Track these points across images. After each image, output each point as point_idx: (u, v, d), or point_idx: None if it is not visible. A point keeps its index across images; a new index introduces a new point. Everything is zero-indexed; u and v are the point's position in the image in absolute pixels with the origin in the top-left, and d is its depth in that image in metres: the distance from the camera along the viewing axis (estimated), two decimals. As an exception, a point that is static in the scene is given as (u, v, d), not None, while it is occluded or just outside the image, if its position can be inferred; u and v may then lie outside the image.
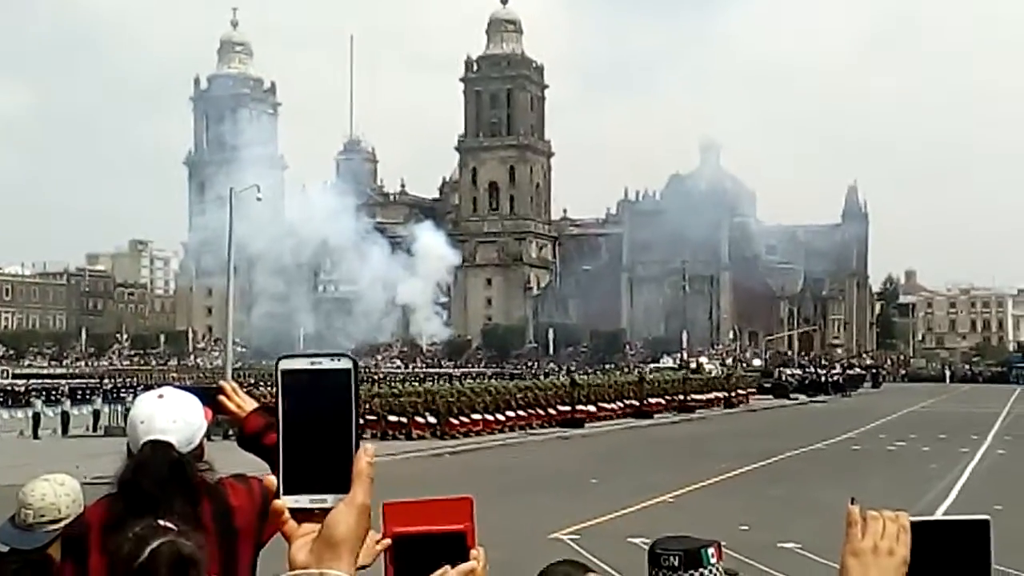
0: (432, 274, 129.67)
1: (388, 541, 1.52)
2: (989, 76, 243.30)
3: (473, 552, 1.55)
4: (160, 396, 3.00)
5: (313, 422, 1.42)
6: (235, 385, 2.92)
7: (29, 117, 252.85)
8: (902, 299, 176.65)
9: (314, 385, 1.43)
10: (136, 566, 2.37)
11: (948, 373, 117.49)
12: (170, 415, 2.92)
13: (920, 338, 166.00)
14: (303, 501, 1.42)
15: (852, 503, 1.58)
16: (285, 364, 1.44)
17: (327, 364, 1.43)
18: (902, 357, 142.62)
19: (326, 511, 1.42)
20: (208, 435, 3.06)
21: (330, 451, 1.43)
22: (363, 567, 3.18)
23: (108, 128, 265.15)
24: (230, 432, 2.97)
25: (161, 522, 2.39)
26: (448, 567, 1.53)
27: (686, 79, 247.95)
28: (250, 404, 3.04)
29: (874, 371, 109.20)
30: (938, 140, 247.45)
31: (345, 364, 1.44)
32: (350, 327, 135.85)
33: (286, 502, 1.42)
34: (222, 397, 2.84)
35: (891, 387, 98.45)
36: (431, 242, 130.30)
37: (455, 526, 1.56)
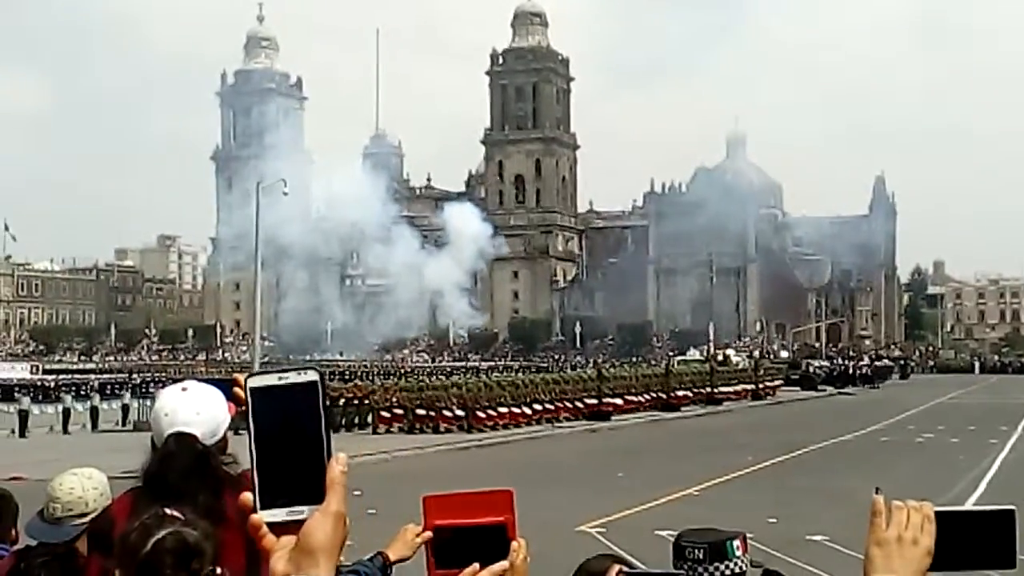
0: (466, 253, 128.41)
1: (429, 534, 1.54)
2: (1017, 66, 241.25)
3: (514, 544, 1.56)
4: (184, 389, 3.01)
5: (284, 436, 1.44)
6: None
7: (56, 113, 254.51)
8: (930, 290, 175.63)
9: (283, 400, 1.45)
10: (141, 556, 2.37)
11: (977, 364, 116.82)
12: (194, 407, 2.93)
13: (949, 329, 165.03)
14: (280, 515, 1.44)
15: (877, 493, 1.59)
16: (253, 381, 1.47)
17: (294, 378, 1.46)
18: (931, 348, 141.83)
19: (303, 523, 1.44)
20: (236, 429, 3.06)
21: (303, 463, 1.44)
22: (404, 559, 3.18)
23: (135, 123, 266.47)
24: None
25: (168, 511, 2.39)
26: (477, 565, 1.54)
27: (712, 70, 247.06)
28: None
29: (902, 362, 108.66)
30: (966, 130, 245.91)
31: (312, 377, 1.46)
32: (378, 320, 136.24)
33: (263, 516, 1.44)
34: (237, 389, 2.85)
35: (920, 378, 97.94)
36: (464, 217, 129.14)
37: (496, 518, 1.58)
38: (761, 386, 61.62)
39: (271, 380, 1.46)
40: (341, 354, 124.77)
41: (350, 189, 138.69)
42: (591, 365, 74.35)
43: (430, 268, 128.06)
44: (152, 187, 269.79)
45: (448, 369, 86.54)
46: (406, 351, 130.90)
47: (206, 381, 3.17)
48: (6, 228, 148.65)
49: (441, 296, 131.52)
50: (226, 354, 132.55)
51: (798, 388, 70.08)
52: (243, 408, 3.00)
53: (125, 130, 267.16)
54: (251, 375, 1.47)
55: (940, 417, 45.04)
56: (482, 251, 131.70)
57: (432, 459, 30.19)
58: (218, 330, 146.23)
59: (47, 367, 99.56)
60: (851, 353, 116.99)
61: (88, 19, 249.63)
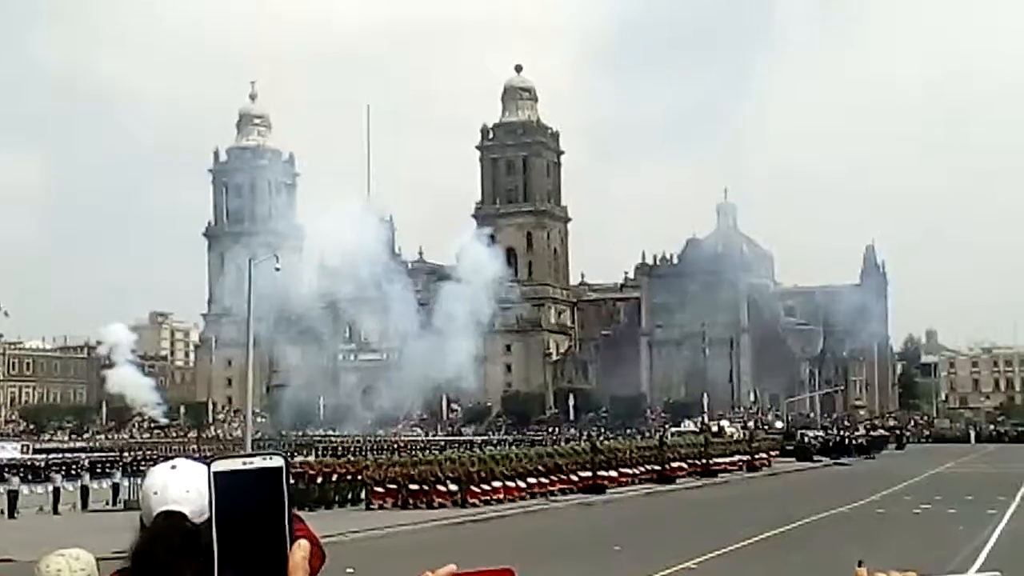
0: (479, 292, 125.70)
1: None
2: (1010, 134, 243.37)
3: None
4: (173, 467, 2.96)
5: (247, 520, 1.47)
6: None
7: (48, 190, 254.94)
8: (924, 359, 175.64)
9: (247, 484, 1.48)
10: None
11: (973, 433, 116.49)
12: (183, 485, 2.87)
13: (943, 398, 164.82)
14: None
15: (860, 565, 1.56)
16: (217, 466, 1.50)
17: (259, 463, 1.49)
18: (926, 417, 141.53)
19: None
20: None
21: (265, 547, 1.48)
22: None
23: (127, 201, 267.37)
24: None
25: None
26: None
27: (702, 141, 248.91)
28: None
29: (898, 432, 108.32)
30: (956, 198, 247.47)
31: (277, 462, 1.49)
32: (373, 394, 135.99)
33: None
34: None
35: (915, 448, 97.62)
36: (474, 250, 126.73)
37: None
38: (756, 457, 61.37)
39: (235, 464, 1.48)
40: (334, 429, 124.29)
41: (343, 263, 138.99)
42: (585, 438, 74.13)
43: (440, 301, 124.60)
44: (144, 264, 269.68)
45: (442, 443, 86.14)
46: (399, 425, 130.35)
47: (197, 460, 3.12)
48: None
49: (445, 342, 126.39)
50: (218, 431, 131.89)
51: (793, 459, 69.74)
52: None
53: (117, 207, 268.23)
54: (215, 459, 1.52)
55: (937, 487, 44.82)
56: (496, 290, 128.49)
57: (426, 534, 29.92)
58: (210, 407, 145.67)
59: (37, 446, 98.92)
60: (846, 423, 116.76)
61: (80, 96, 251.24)
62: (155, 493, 2.90)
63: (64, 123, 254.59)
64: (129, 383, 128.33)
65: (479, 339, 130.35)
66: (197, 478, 2.92)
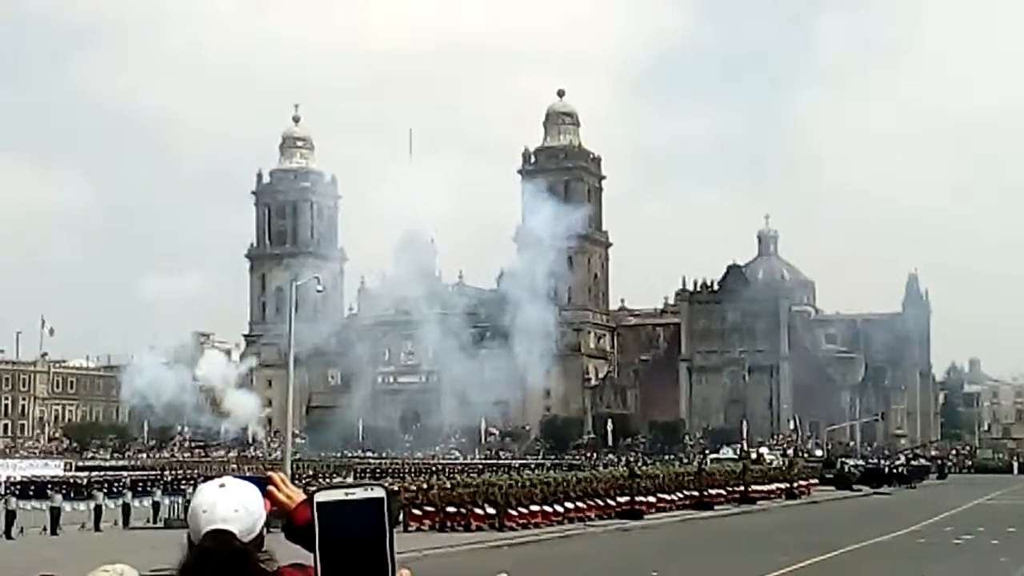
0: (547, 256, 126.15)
1: None
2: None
3: None
4: (222, 485, 3.04)
5: (350, 551, 1.53)
6: (283, 476, 2.98)
7: (94, 213, 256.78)
8: (966, 388, 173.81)
9: (349, 515, 1.55)
10: None
11: (1016, 464, 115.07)
12: (232, 504, 2.95)
13: (986, 428, 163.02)
14: None
15: None
16: (320, 497, 1.57)
17: (361, 494, 1.57)
18: (968, 448, 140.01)
19: None
20: (268, 526, 3.08)
21: None
22: None
23: (172, 223, 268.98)
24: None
25: None
26: None
27: (744, 168, 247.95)
28: (299, 495, 3.08)
29: (939, 462, 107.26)
30: (1001, 227, 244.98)
31: (378, 493, 1.57)
32: (410, 418, 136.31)
33: None
34: (271, 488, 2.89)
35: (957, 478, 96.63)
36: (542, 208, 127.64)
37: None
38: (795, 485, 60.99)
39: (338, 495, 1.56)
40: (373, 451, 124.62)
41: (384, 285, 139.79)
42: (623, 463, 73.89)
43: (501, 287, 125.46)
44: (188, 284, 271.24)
45: (480, 466, 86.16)
46: (438, 448, 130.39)
47: (241, 478, 3.20)
48: (43, 324, 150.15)
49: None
50: (257, 451, 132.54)
51: (833, 487, 69.25)
52: (272, 511, 3.05)
53: (162, 229, 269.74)
54: (318, 490, 1.53)
55: (979, 518, 44.36)
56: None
57: (464, 558, 29.94)
58: (249, 427, 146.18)
59: (80, 464, 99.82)
60: (886, 452, 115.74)
61: (126, 120, 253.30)
62: (204, 511, 2.99)
63: (111, 147, 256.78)
64: (164, 384, 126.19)
65: (529, 355, 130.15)
66: (246, 497, 3.01)
